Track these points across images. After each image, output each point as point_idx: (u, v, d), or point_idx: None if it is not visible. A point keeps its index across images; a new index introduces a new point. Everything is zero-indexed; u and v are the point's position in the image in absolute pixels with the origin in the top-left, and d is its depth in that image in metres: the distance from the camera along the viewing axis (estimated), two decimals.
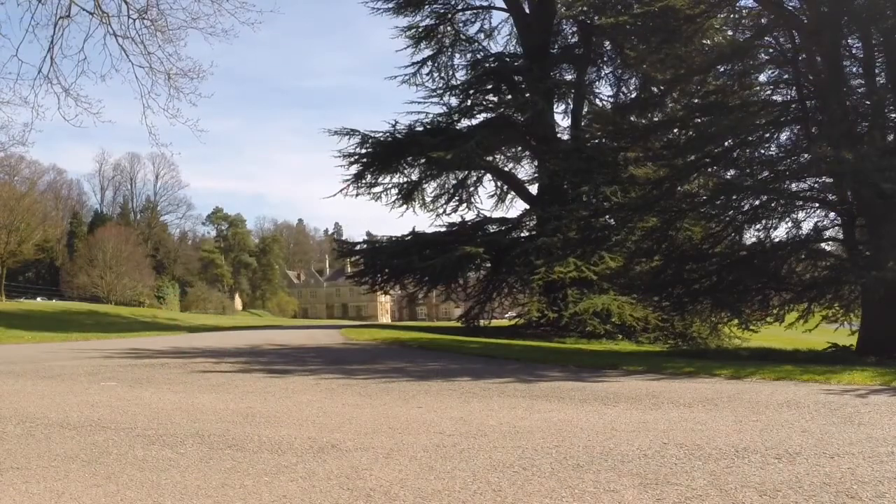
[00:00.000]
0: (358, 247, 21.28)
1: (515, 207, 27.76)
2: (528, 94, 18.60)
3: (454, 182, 20.73)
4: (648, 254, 11.53)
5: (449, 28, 21.15)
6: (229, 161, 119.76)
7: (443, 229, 19.14)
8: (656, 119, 11.93)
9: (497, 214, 20.39)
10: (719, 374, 5.62)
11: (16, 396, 4.19)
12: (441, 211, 20.48)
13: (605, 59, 19.91)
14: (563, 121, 21.34)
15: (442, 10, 20.68)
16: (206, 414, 3.55)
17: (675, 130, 11.53)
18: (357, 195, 20.26)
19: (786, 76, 10.55)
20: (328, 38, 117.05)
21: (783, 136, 10.78)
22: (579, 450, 2.72)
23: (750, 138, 10.30)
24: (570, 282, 15.11)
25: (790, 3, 10.27)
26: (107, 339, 12.19)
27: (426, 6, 20.38)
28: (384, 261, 18.93)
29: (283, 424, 3.27)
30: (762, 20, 10.55)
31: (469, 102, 19.58)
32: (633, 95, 18.59)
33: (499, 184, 21.45)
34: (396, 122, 19.43)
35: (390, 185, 20.11)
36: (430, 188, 20.66)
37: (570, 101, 20.58)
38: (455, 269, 17.83)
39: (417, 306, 55.00)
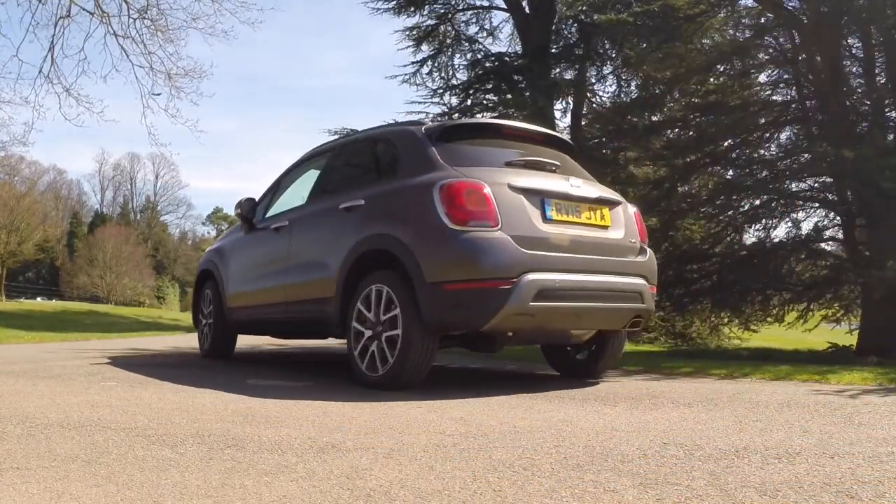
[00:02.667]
0: None
1: None
2: (528, 94, 18.59)
3: None
4: None
5: (449, 28, 21.15)
6: (229, 161, 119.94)
7: None
8: (656, 119, 11.95)
9: None
10: (718, 374, 5.62)
11: (16, 396, 4.19)
12: None
13: (605, 58, 19.92)
14: (563, 120, 21.35)
15: (442, 10, 20.68)
16: (206, 414, 3.55)
17: (676, 130, 11.55)
18: None
19: (786, 76, 10.56)
20: (328, 38, 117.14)
21: (783, 136, 10.81)
22: (579, 450, 2.72)
23: (750, 138, 10.32)
24: None
25: (790, 3, 10.27)
26: (107, 339, 12.19)
27: (426, 6, 20.38)
28: None
29: (283, 424, 3.27)
30: (762, 20, 10.56)
31: (469, 102, 19.57)
32: (633, 95, 18.60)
33: None
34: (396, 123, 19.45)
35: None
36: None
37: (570, 100, 20.57)
38: None
39: None
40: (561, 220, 4.42)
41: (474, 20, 21.51)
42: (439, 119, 3.79)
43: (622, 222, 4.81)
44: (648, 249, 5.01)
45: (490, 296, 4.04)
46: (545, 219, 4.34)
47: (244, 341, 10.48)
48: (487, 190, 4.20)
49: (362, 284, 4.56)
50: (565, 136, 5.69)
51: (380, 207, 4.66)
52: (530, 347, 10.15)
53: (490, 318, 4.09)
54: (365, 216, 4.69)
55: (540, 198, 4.38)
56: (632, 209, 5.02)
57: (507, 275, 4.05)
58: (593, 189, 4.75)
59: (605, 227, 4.68)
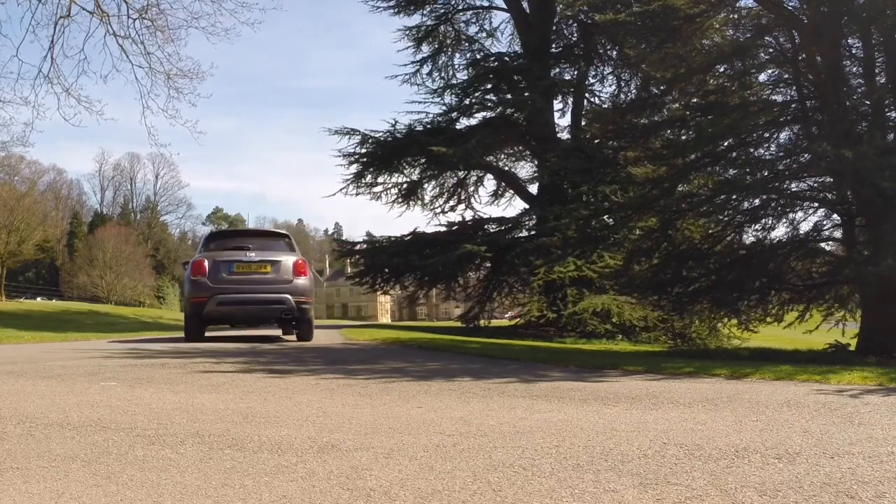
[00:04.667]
0: (358, 247, 21.30)
1: (515, 206, 27.78)
2: (527, 94, 18.60)
3: (454, 181, 20.76)
4: (648, 253, 11.54)
5: (449, 28, 21.17)
6: (229, 161, 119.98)
7: (443, 229, 19.17)
8: (656, 118, 11.94)
9: (497, 214, 20.45)
10: (719, 374, 5.62)
11: (16, 396, 4.19)
12: (440, 210, 20.53)
13: (605, 58, 19.94)
14: (562, 120, 21.40)
15: (442, 10, 20.72)
16: (206, 414, 3.55)
17: (675, 130, 11.54)
18: (357, 195, 20.37)
19: (786, 76, 10.55)
20: (328, 38, 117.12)
21: (783, 136, 10.79)
22: (579, 450, 2.72)
23: (749, 138, 10.30)
24: (570, 281, 15.12)
25: (790, 3, 10.27)
26: (107, 339, 12.19)
27: (427, 6, 20.41)
28: (384, 261, 18.94)
29: (283, 424, 3.27)
30: (762, 20, 10.55)
31: (468, 102, 19.60)
32: (632, 95, 18.62)
33: (499, 183, 21.48)
34: (396, 122, 19.47)
35: (390, 185, 20.18)
36: (430, 187, 20.70)
37: (569, 100, 20.62)
38: (455, 269, 17.85)
39: (417, 306, 54.98)
40: (239, 271, 9.80)
41: (474, 20, 21.56)
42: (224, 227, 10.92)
43: (280, 269, 9.94)
44: (299, 279, 9.96)
45: (200, 303, 9.63)
46: (229, 272, 9.75)
47: (243, 341, 10.49)
48: (205, 262, 9.77)
49: None
50: (279, 230, 11.83)
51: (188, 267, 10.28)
52: (530, 349, 10.19)
53: (202, 312, 9.68)
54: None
55: (229, 263, 9.80)
56: (293, 260, 10.08)
57: (205, 295, 9.61)
58: (263, 255, 9.98)
59: (267, 273, 9.89)
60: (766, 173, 10.00)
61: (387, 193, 20.15)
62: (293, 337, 11.06)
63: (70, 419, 3.39)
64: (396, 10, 20.27)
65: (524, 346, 10.72)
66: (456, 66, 21.45)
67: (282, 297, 9.71)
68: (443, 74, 21.25)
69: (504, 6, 20.56)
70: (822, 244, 10.71)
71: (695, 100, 11.12)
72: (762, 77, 11.02)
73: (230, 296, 9.64)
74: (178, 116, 20.85)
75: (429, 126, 19.31)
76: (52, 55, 16.75)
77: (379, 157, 19.36)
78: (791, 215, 10.48)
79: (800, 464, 2.47)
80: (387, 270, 19.22)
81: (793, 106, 10.34)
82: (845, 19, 9.46)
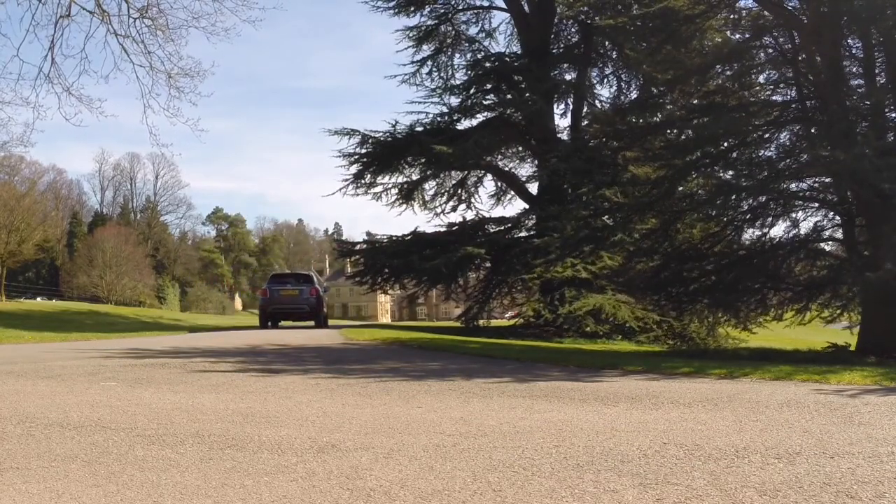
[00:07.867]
0: (358, 247, 21.30)
1: (514, 207, 27.76)
2: (527, 94, 18.58)
3: (454, 182, 20.74)
4: (648, 253, 11.53)
5: (449, 28, 21.14)
6: (229, 161, 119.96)
7: (443, 229, 19.14)
8: (656, 119, 11.93)
9: (496, 214, 20.41)
10: (718, 374, 5.62)
11: (16, 396, 4.19)
12: (440, 210, 20.51)
13: (605, 59, 19.92)
14: (562, 121, 21.34)
15: (442, 10, 20.67)
16: (206, 414, 3.55)
17: (675, 131, 11.52)
18: (357, 195, 20.36)
19: (786, 76, 10.55)
20: (328, 38, 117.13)
21: (783, 137, 10.78)
22: (579, 450, 2.72)
23: (749, 138, 10.30)
24: (568, 281, 15.11)
25: (790, 3, 10.26)
26: (107, 339, 12.20)
27: (427, 6, 20.36)
28: (384, 261, 18.92)
29: (283, 424, 3.27)
30: (761, 21, 10.54)
31: (469, 102, 19.53)
32: (633, 96, 18.60)
33: (499, 184, 21.45)
34: (396, 122, 19.42)
35: (390, 185, 20.15)
36: (430, 187, 20.69)
37: (570, 100, 20.57)
38: (455, 269, 17.82)
39: (417, 306, 54.97)
40: (283, 295, 19.22)
41: (474, 20, 21.49)
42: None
43: (303, 292, 19.14)
44: (312, 297, 19.02)
45: (265, 309, 19.25)
46: (278, 294, 19.20)
47: (243, 341, 10.51)
48: (268, 289, 19.65)
49: None
50: (307, 272, 22.19)
51: None
52: (529, 349, 10.21)
53: (267, 312, 19.20)
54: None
55: (278, 289, 19.52)
56: (310, 288, 19.27)
57: (267, 305, 19.16)
58: (295, 286, 19.50)
59: (297, 295, 19.17)
60: (765, 173, 9.99)
61: (387, 193, 20.14)
62: (315, 325, 18.58)
63: (70, 419, 3.39)
64: (396, 10, 20.23)
65: (524, 346, 10.72)
66: (456, 67, 21.41)
67: (303, 306, 18.85)
68: (443, 74, 21.22)
69: (504, 6, 20.53)
70: (823, 244, 10.70)
71: (695, 100, 11.11)
72: (762, 78, 11.02)
73: (278, 305, 18.71)
74: (179, 115, 20.70)
75: (429, 126, 19.28)
76: (52, 55, 16.73)
77: (379, 157, 19.34)
78: (791, 215, 10.48)
79: (800, 464, 2.48)
80: (387, 270, 19.21)
81: (793, 106, 10.34)
82: (845, 19, 9.45)
